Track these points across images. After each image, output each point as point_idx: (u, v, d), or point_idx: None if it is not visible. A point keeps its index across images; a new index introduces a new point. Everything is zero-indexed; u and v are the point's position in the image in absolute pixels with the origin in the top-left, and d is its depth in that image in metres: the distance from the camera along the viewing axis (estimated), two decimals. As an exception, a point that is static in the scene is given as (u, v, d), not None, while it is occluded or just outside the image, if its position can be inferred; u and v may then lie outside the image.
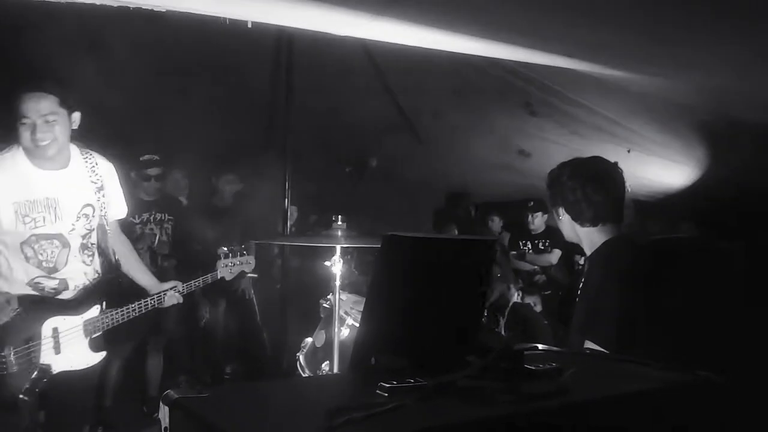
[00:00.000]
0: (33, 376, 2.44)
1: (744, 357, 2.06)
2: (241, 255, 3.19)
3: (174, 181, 5.00)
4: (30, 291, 2.60)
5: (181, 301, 2.95)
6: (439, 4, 3.50)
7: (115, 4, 3.35)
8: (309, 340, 3.86)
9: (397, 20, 3.68)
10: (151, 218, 4.64)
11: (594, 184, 2.27)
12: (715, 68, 4.12)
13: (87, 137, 2.73)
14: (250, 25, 3.77)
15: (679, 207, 6.79)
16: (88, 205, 2.70)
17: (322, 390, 1.48)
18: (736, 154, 5.65)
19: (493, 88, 5.18)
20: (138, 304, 2.77)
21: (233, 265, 3.17)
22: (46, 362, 2.53)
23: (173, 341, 5.08)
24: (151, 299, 2.83)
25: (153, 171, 4.50)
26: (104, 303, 2.72)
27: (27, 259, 2.57)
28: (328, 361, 3.42)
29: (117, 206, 2.86)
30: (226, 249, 3.19)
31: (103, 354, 2.75)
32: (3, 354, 2.46)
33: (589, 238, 2.31)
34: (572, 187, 2.29)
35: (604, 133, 5.68)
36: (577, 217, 2.30)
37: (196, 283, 2.99)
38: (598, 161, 2.36)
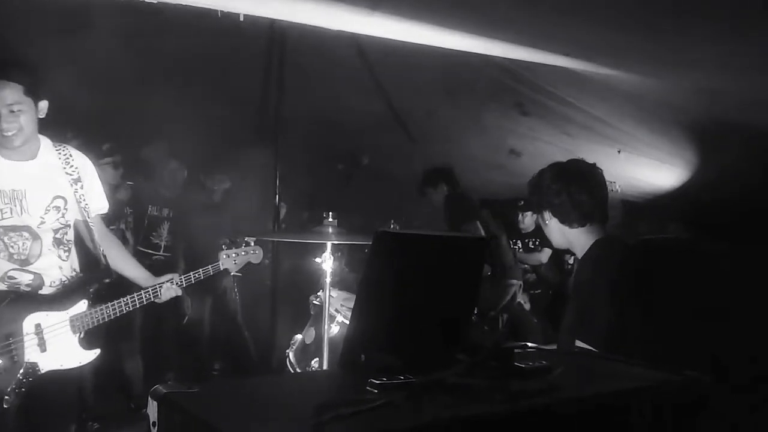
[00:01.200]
0: (19, 375, 2.42)
1: (731, 357, 2.08)
2: (246, 245, 3.08)
3: (170, 175, 4.96)
4: (2, 287, 2.51)
5: (179, 293, 2.84)
6: (432, 1, 3.50)
7: (106, -4, 3.33)
8: (299, 336, 3.85)
9: (391, 16, 3.67)
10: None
11: (577, 185, 2.28)
12: (706, 69, 4.14)
13: (71, 130, 2.70)
14: (242, 18, 3.75)
15: (669, 207, 6.83)
16: (59, 197, 2.61)
17: (311, 386, 1.47)
18: (726, 155, 5.68)
19: (486, 87, 5.19)
20: (131, 298, 2.69)
21: (237, 256, 3.04)
22: (31, 360, 2.48)
23: (159, 338, 5.07)
24: (145, 292, 2.74)
25: (115, 158, 4.41)
26: (92, 298, 2.63)
27: None
28: (317, 358, 3.41)
29: (98, 200, 2.77)
30: (228, 240, 3.12)
31: (97, 351, 2.65)
32: None
33: (579, 239, 2.32)
34: (556, 190, 2.30)
35: (594, 134, 5.70)
36: (565, 219, 2.31)
37: (196, 275, 2.87)
38: (578, 163, 2.38)
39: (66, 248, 2.65)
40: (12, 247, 2.52)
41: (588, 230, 2.30)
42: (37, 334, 2.50)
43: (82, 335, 2.59)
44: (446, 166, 5.39)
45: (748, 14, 3.30)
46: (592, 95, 5.11)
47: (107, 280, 2.69)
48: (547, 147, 5.98)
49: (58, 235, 2.62)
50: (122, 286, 2.81)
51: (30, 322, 2.49)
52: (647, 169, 6.33)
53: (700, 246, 2.87)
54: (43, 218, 2.57)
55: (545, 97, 5.23)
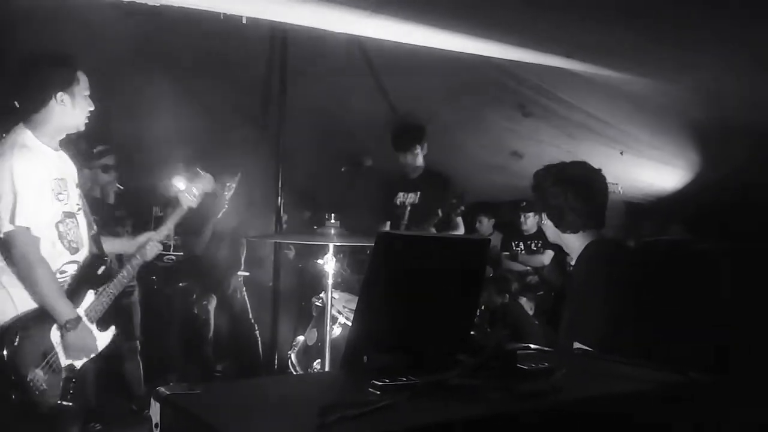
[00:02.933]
0: (61, 383, 2.50)
1: (730, 357, 2.08)
2: (196, 176, 3.12)
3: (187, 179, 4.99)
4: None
5: (161, 248, 2.98)
6: (434, 3, 3.51)
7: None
8: (301, 338, 3.86)
9: (393, 18, 3.67)
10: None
11: (575, 193, 2.29)
12: (709, 70, 4.13)
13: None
14: (244, 21, 3.75)
15: (671, 209, 6.81)
16: (78, 186, 2.74)
17: (314, 388, 1.47)
18: (729, 156, 5.67)
19: (488, 88, 5.19)
20: (126, 270, 2.81)
21: (195, 192, 3.06)
22: (67, 363, 2.55)
23: (163, 339, 5.08)
24: (134, 259, 2.86)
25: (109, 161, 4.40)
26: (95, 285, 2.71)
27: (61, 238, 2.55)
28: (319, 360, 3.41)
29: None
30: (179, 176, 3.21)
31: (112, 329, 2.76)
32: (29, 379, 2.41)
33: (571, 242, 2.35)
34: (554, 194, 2.32)
35: (597, 135, 5.69)
36: (558, 224, 2.32)
37: (169, 225, 3.01)
38: (582, 167, 2.38)
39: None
40: (68, 234, 2.59)
41: (582, 235, 2.32)
42: (91, 330, 2.61)
43: (96, 322, 2.69)
44: (418, 123, 4.69)
45: (751, 14, 3.29)
46: (595, 97, 5.10)
47: (103, 266, 2.75)
48: (550, 149, 5.97)
49: (88, 220, 2.74)
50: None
51: (56, 330, 2.53)
52: (650, 170, 6.33)
53: (702, 247, 2.87)
54: (78, 204, 2.69)
55: (547, 99, 5.23)
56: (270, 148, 4.90)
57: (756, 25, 3.37)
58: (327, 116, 5.39)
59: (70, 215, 2.62)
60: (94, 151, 4.35)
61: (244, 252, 5.50)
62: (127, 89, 4.33)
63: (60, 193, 2.57)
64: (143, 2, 3.38)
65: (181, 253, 4.99)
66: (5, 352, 2.37)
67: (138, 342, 4.58)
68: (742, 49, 3.74)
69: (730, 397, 1.56)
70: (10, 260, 2.44)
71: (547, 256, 6.35)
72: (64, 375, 2.53)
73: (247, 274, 5.54)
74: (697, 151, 5.88)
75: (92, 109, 2.64)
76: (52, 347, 2.51)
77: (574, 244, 2.33)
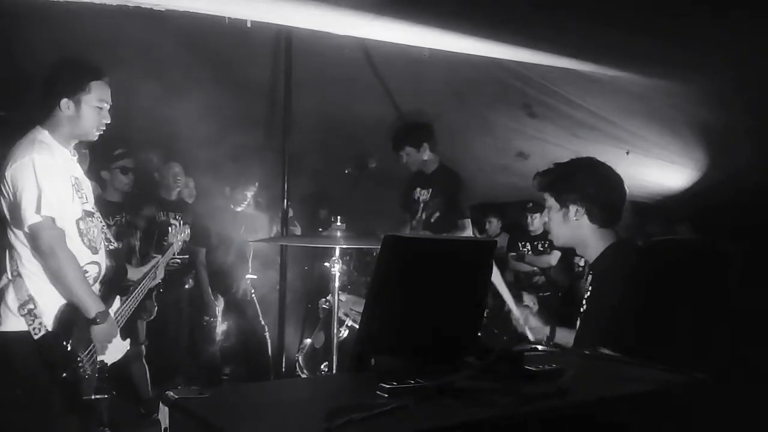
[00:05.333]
0: (97, 375, 2.59)
1: (743, 359, 2.06)
2: (180, 225, 3.61)
3: (172, 178, 5.00)
4: None
5: (163, 274, 3.20)
6: (438, 4, 3.50)
7: (115, 3, 3.35)
8: (308, 341, 3.86)
9: (397, 20, 3.67)
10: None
11: (611, 185, 2.25)
12: (716, 70, 4.12)
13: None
14: (249, 25, 3.76)
15: (678, 209, 6.79)
16: (93, 191, 2.82)
17: (322, 391, 1.47)
18: (736, 156, 5.65)
19: (493, 89, 5.18)
20: (140, 287, 2.94)
21: (178, 237, 3.55)
22: (100, 359, 2.64)
23: (171, 342, 5.09)
24: (147, 279, 3.01)
25: (128, 164, 4.50)
26: (121, 292, 2.82)
27: (81, 235, 2.59)
28: (327, 362, 3.41)
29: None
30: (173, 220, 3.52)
31: (128, 341, 2.85)
32: (80, 358, 2.50)
33: (592, 240, 2.26)
34: (595, 187, 2.24)
35: (602, 135, 5.68)
36: (595, 218, 2.24)
37: (166, 259, 3.32)
38: (598, 161, 2.35)
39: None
40: (89, 232, 2.63)
41: (604, 232, 2.28)
42: (114, 321, 2.69)
43: (120, 328, 2.77)
44: (413, 122, 4.71)
45: (758, 14, 3.28)
46: (600, 96, 5.09)
47: (128, 274, 2.90)
48: (555, 149, 5.96)
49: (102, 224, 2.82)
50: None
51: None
52: (656, 170, 6.30)
53: (710, 247, 2.85)
54: (94, 207, 2.74)
55: (553, 99, 5.22)
56: (276, 151, 4.91)
57: (763, 24, 3.36)
58: (332, 119, 5.39)
59: (90, 214, 2.67)
60: (114, 153, 4.42)
61: (251, 254, 5.52)
62: (131, 93, 4.34)
63: (79, 191, 2.62)
64: (148, 7, 3.39)
65: (187, 256, 5.00)
66: (64, 333, 2.46)
67: (144, 346, 4.60)
68: (749, 49, 3.72)
69: (738, 397, 1.55)
70: (38, 252, 2.46)
71: (554, 257, 6.34)
72: (98, 373, 2.61)
73: (255, 277, 5.55)
74: (703, 151, 5.85)
75: (107, 121, 2.66)
76: (92, 341, 2.58)
77: (593, 241, 2.26)
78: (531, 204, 6.45)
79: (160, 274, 3.14)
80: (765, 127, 4.87)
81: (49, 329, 2.47)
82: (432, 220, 4.42)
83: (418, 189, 4.61)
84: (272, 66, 4.93)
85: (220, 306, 5.40)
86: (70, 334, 2.48)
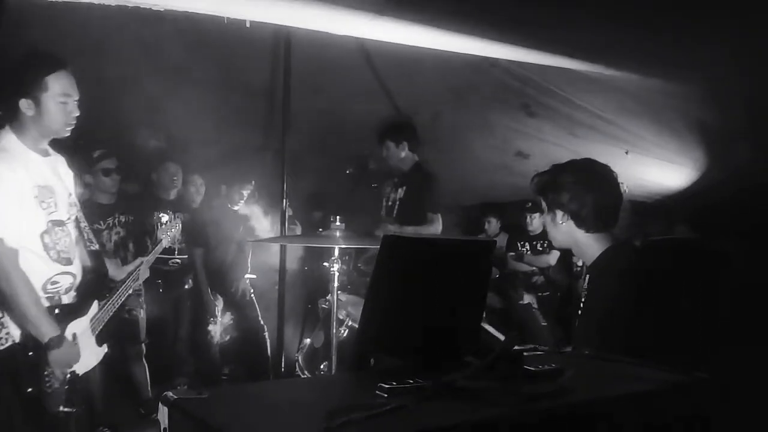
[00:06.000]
0: (66, 387, 2.45)
1: (744, 357, 2.07)
2: (171, 220, 3.54)
3: (168, 177, 4.98)
4: (43, 297, 2.45)
5: (148, 274, 3.04)
6: (437, 4, 3.51)
7: (114, 3, 3.34)
8: (308, 340, 3.86)
9: (396, 20, 3.67)
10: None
11: (600, 189, 2.22)
12: (715, 69, 4.12)
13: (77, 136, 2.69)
14: (248, 25, 3.76)
15: (676, 208, 6.79)
16: (71, 194, 2.63)
17: (321, 391, 1.47)
18: (735, 155, 5.65)
19: (492, 89, 5.18)
20: (123, 288, 2.82)
21: (169, 231, 3.45)
22: (69, 371, 2.50)
23: (171, 342, 5.09)
24: (131, 280, 2.88)
25: (109, 164, 4.41)
26: (99, 297, 2.69)
27: (47, 249, 2.42)
28: (326, 362, 3.42)
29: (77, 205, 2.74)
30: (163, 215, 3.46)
31: (105, 347, 2.74)
32: (48, 371, 2.38)
33: (589, 244, 2.24)
34: (579, 192, 2.21)
35: (601, 134, 5.68)
36: (582, 224, 2.22)
37: (153, 257, 3.16)
38: (597, 164, 2.32)
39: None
40: (57, 243, 2.46)
41: (598, 235, 2.26)
42: (75, 344, 2.52)
43: (96, 334, 2.66)
44: (396, 121, 4.91)
45: (756, 11, 3.28)
46: (599, 96, 5.09)
47: (107, 278, 2.75)
48: (554, 148, 5.96)
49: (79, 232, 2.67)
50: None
51: (69, 333, 2.50)
52: (655, 169, 6.31)
53: (708, 247, 2.85)
54: (69, 214, 2.57)
55: (552, 99, 5.22)
56: (275, 151, 4.91)
57: (761, 24, 3.36)
58: (331, 118, 5.39)
59: (58, 224, 2.48)
60: (94, 155, 4.35)
61: (250, 254, 5.53)
62: (130, 94, 4.34)
63: (44, 201, 2.43)
64: (147, 7, 3.39)
65: (186, 257, 5.00)
66: (32, 344, 2.36)
67: (143, 345, 4.60)
68: (747, 48, 3.72)
69: (738, 396, 1.55)
70: None
71: (553, 257, 6.34)
72: (67, 384, 2.47)
73: (255, 276, 5.56)
74: (702, 150, 5.86)
75: (76, 114, 2.48)
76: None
77: (591, 244, 2.24)
78: (530, 204, 6.45)
79: (144, 275, 2.99)
80: (763, 127, 4.88)
81: (17, 341, 2.36)
82: (403, 214, 4.52)
83: (392, 186, 4.75)
84: (271, 66, 4.93)
85: (219, 306, 5.40)
86: (38, 347, 2.36)
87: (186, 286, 5.14)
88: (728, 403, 1.51)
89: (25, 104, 2.41)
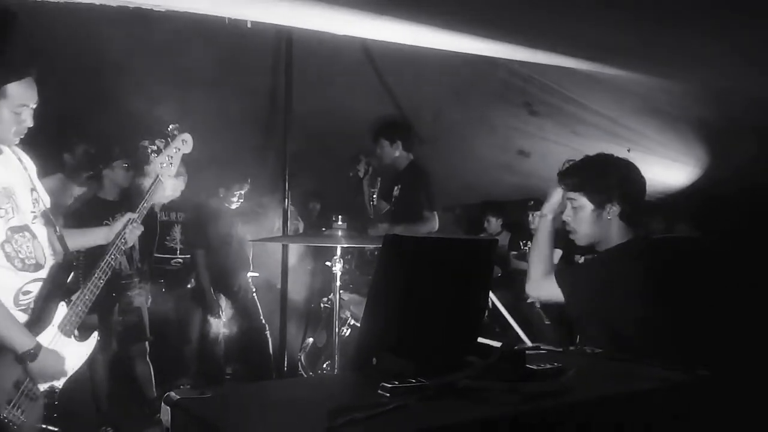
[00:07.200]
0: (42, 408, 2.27)
1: (746, 355, 2.06)
2: (171, 138, 2.84)
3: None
4: (16, 311, 2.28)
5: (142, 228, 2.66)
6: (438, 4, 3.50)
7: (115, 4, 3.35)
8: (310, 340, 3.87)
9: (397, 19, 3.67)
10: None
11: (636, 182, 2.26)
12: (716, 67, 4.11)
13: (76, 135, 2.65)
14: (249, 25, 3.76)
15: (678, 207, 6.78)
16: (34, 190, 2.45)
17: (324, 390, 1.48)
18: (738, 153, 5.65)
19: (494, 87, 5.18)
20: (106, 263, 2.50)
21: (170, 158, 2.81)
22: (45, 388, 2.33)
23: (174, 342, 5.10)
24: (114, 246, 2.54)
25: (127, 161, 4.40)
26: (66, 295, 2.43)
27: (10, 259, 2.26)
28: (329, 361, 3.42)
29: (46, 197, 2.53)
30: (146, 143, 2.82)
31: (94, 335, 2.52)
32: (4, 417, 2.19)
33: (616, 235, 2.25)
34: (636, 185, 2.25)
35: (603, 132, 5.68)
36: (633, 215, 2.25)
37: (144, 205, 2.68)
38: (622, 159, 2.34)
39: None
40: (20, 251, 2.30)
41: (628, 229, 2.27)
42: (53, 350, 2.33)
43: (75, 334, 2.45)
44: (392, 120, 4.89)
45: (759, 9, 3.27)
46: (601, 94, 5.09)
47: (72, 272, 2.45)
48: (556, 147, 5.96)
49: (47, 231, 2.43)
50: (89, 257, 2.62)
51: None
52: (657, 167, 6.30)
53: (710, 245, 2.85)
54: (33, 213, 2.40)
55: (553, 97, 5.22)
56: (277, 151, 4.92)
57: (764, 22, 3.35)
58: (333, 118, 5.39)
59: (19, 230, 2.31)
60: (115, 151, 4.40)
61: (252, 253, 5.53)
62: (132, 94, 4.35)
63: (1, 208, 2.27)
64: (149, 8, 3.39)
65: (188, 256, 5.01)
66: None
67: (147, 344, 4.61)
68: (750, 47, 3.72)
69: (740, 395, 1.55)
70: None
71: (556, 255, 6.34)
72: (44, 400, 2.31)
73: (257, 275, 5.56)
74: (704, 148, 5.86)
75: (29, 125, 2.33)
76: (25, 375, 2.27)
77: (615, 240, 2.25)
78: (532, 202, 6.44)
79: (133, 236, 2.62)
80: (766, 126, 4.87)
81: None
82: (399, 213, 4.54)
83: (377, 184, 4.85)
84: (272, 66, 4.93)
85: (222, 305, 5.41)
86: None
87: (189, 286, 5.15)
88: (730, 402, 1.51)
89: None
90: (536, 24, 3.71)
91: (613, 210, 2.25)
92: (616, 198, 2.24)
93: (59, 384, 2.38)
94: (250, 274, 5.49)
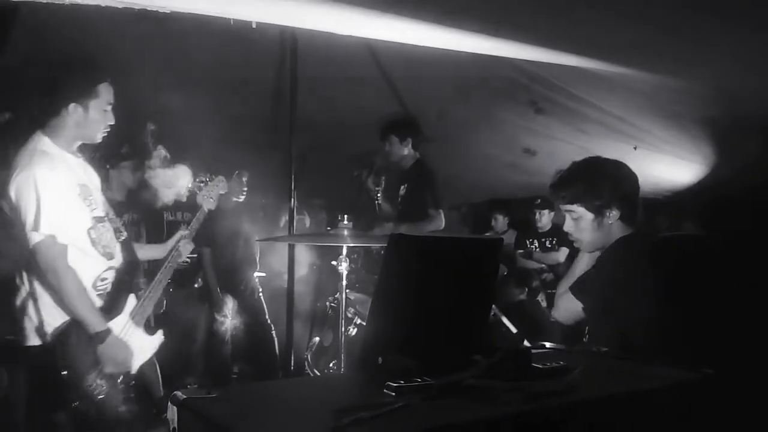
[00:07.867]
0: (122, 386, 2.54)
1: (751, 354, 2.06)
2: (210, 180, 3.29)
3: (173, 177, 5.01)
4: (94, 295, 2.53)
5: (192, 246, 3.07)
6: (443, 2, 3.50)
7: (120, 6, 3.36)
8: (317, 339, 3.87)
9: (402, 19, 3.67)
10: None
11: (631, 183, 2.28)
12: (724, 65, 4.09)
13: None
14: (254, 26, 3.77)
15: (685, 205, 6.76)
16: (102, 192, 2.74)
17: (330, 389, 1.48)
18: (745, 150, 5.62)
19: (499, 86, 5.17)
20: (163, 272, 2.84)
21: (210, 192, 3.26)
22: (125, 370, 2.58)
23: (180, 342, 5.12)
24: (169, 262, 2.90)
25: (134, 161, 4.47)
26: (135, 289, 2.74)
27: (94, 245, 2.52)
28: (335, 360, 3.42)
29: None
30: (197, 180, 3.28)
31: (160, 332, 2.81)
32: (89, 385, 2.44)
33: (616, 237, 2.27)
34: (633, 188, 2.27)
35: (610, 130, 5.66)
36: (632, 219, 2.27)
37: (195, 226, 3.13)
38: (613, 161, 2.34)
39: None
40: (101, 239, 2.56)
41: (628, 229, 2.28)
42: (120, 338, 2.59)
43: (150, 324, 2.74)
44: (398, 117, 4.94)
45: (765, 6, 3.26)
46: (607, 92, 5.07)
47: (138, 268, 2.82)
48: (562, 145, 5.95)
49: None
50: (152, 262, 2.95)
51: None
52: (663, 165, 6.28)
53: (716, 244, 2.84)
54: (105, 212, 2.67)
55: (559, 95, 5.20)
56: (282, 151, 4.92)
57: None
58: (338, 118, 5.40)
59: (100, 220, 2.59)
60: (122, 151, 4.42)
61: (258, 252, 5.54)
62: (136, 94, 4.36)
63: (86, 198, 2.54)
64: (154, 9, 3.40)
65: (195, 256, 5.03)
66: (62, 359, 2.39)
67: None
68: (756, 44, 3.70)
69: (745, 394, 1.55)
70: (37, 270, 2.42)
71: (562, 254, 6.33)
72: (121, 380, 2.55)
73: (264, 274, 5.57)
74: (711, 146, 5.83)
75: (111, 123, 2.61)
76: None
77: (616, 237, 2.27)
78: (539, 200, 6.44)
79: (186, 249, 3.02)
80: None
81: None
82: (405, 211, 4.55)
83: (380, 182, 4.86)
84: (278, 66, 4.94)
85: (229, 304, 5.42)
86: (70, 366, 2.41)
87: (196, 285, 5.17)
88: (736, 401, 1.51)
89: (73, 108, 2.52)
90: (542, 22, 3.70)
91: (613, 214, 2.26)
92: (614, 202, 2.25)
93: (134, 367, 2.64)
94: (256, 273, 5.50)
